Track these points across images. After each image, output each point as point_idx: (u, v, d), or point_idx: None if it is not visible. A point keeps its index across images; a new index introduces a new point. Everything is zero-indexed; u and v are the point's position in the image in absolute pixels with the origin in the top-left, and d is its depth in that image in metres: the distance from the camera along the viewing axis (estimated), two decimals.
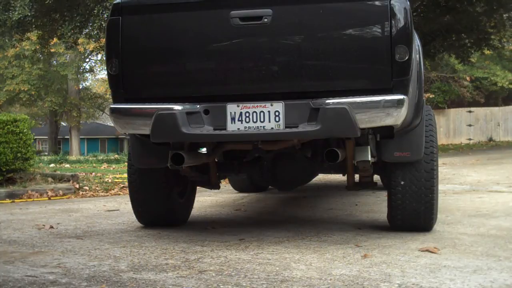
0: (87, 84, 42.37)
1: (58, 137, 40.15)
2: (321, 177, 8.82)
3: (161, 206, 4.43)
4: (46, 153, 34.48)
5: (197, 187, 5.02)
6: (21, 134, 7.93)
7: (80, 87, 37.34)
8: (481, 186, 7.51)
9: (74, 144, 35.46)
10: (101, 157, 21.53)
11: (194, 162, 4.03)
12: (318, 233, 4.15)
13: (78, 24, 12.99)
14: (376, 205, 5.76)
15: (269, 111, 3.44)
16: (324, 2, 3.41)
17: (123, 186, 8.48)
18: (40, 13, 13.12)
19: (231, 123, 3.49)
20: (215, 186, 4.49)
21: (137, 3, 3.68)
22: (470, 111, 26.19)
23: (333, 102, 3.33)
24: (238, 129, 3.48)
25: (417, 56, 3.78)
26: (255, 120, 3.46)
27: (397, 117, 3.35)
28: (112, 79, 3.70)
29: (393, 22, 3.34)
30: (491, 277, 2.82)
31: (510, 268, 3.02)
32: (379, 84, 3.38)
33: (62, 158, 18.64)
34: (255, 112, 3.46)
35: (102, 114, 45.21)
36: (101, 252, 3.63)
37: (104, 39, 8.45)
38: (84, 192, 8.03)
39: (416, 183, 3.88)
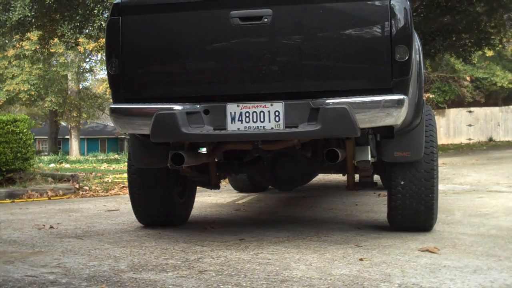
0: (87, 84, 42.39)
1: (58, 137, 40.11)
2: (321, 177, 8.82)
3: (161, 206, 4.43)
4: (46, 153, 34.49)
5: (197, 187, 5.02)
6: (21, 134, 7.93)
7: (80, 87, 37.33)
8: (481, 186, 7.51)
9: (74, 144, 35.45)
10: (101, 157, 21.58)
11: (194, 162, 4.03)
12: (318, 233, 4.15)
13: (78, 24, 12.98)
14: (376, 205, 5.76)
15: (269, 111, 3.44)
16: (324, 2, 3.41)
17: (123, 186, 8.47)
18: (40, 13, 13.12)
19: (231, 123, 3.49)
20: (215, 186, 4.49)
21: (137, 3, 3.68)
22: (470, 111, 26.20)
23: (333, 102, 3.33)
24: (238, 129, 3.48)
25: (417, 56, 3.78)
26: (255, 120, 3.46)
27: (397, 117, 3.35)
28: (112, 79, 3.70)
29: (393, 22, 3.33)
30: (491, 277, 2.82)
31: (510, 268, 3.02)
32: (379, 84, 3.38)
33: (62, 158, 18.65)
34: (255, 112, 3.46)
35: (102, 114, 45.19)
36: (101, 252, 3.63)
37: (104, 39, 8.45)
38: (84, 192, 8.03)
39: (416, 183, 3.88)
